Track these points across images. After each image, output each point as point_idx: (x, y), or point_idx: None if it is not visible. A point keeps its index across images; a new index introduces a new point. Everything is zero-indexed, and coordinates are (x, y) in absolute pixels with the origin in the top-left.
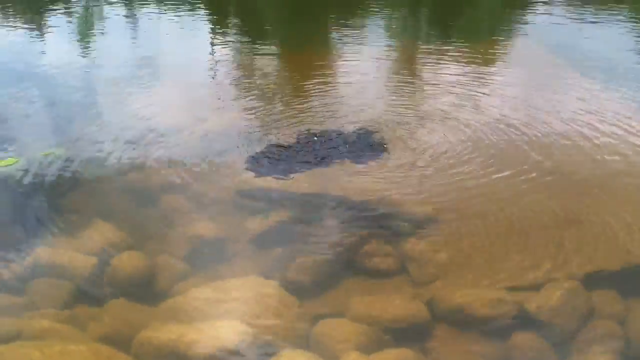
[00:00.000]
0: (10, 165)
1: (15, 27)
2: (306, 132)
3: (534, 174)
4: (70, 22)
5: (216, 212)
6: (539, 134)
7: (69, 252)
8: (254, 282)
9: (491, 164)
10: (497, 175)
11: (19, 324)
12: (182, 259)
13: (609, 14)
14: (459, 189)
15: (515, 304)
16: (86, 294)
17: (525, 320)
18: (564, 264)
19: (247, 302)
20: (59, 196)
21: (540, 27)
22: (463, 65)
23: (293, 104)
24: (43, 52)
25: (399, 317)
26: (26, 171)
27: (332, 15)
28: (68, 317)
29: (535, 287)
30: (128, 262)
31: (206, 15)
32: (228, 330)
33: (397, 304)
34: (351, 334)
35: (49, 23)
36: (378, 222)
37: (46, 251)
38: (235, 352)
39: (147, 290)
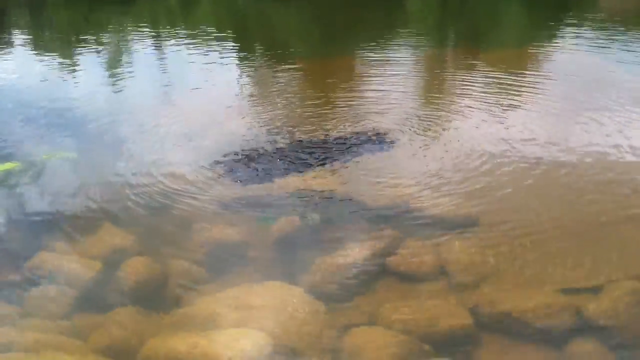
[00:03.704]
0: (10, 169)
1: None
2: (324, 134)
3: (577, 172)
4: (98, 54)
5: (233, 216)
6: (580, 141)
7: (72, 257)
8: (277, 288)
9: (532, 164)
10: (539, 173)
11: (12, 334)
12: (196, 264)
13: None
14: (497, 187)
15: (571, 308)
16: (89, 302)
17: (583, 326)
18: (624, 264)
19: (269, 309)
20: (63, 199)
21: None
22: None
23: (314, 109)
24: (66, 76)
25: (441, 324)
26: (28, 174)
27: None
28: (68, 326)
29: (594, 290)
30: (137, 267)
31: (233, 47)
32: (247, 340)
33: (438, 311)
34: (387, 343)
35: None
36: (410, 222)
37: (47, 256)
38: None
39: (157, 298)
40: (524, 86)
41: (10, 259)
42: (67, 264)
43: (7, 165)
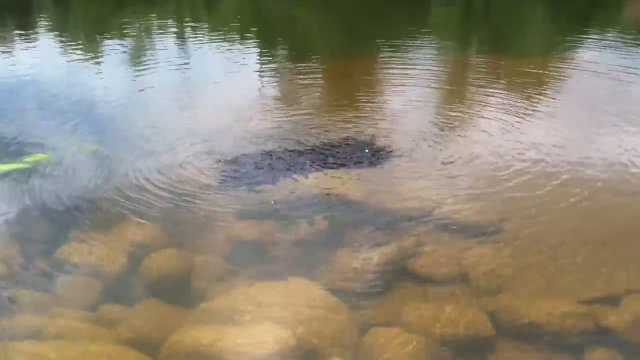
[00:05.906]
0: (40, 160)
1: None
2: (344, 136)
3: (600, 183)
4: (123, 51)
5: (259, 215)
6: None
7: (99, 249)
8: (299, 286)
9: (554, 174)
10: (561, 183)
11: (40, 321)
12: (221, 259)
13: None
14: (519, 195)
15: (590, 318)
16: (116, 293)
17: (601, 336)
18: None
19: (291, 306)
20: (91, 191)
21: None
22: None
23: (336, 111)
24: (89, 72)
25: (459, 328)
26: (57, 165)
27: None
28: (94, 316)
29: (613, 300)
30: (163, 260)
31: (255, 46)
32: (268, 336)
33: (457, 315)
34: (405, 344)
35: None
36: (431, 227)
37: (75, 246)
38: None
39: (182, 291)
40: (546, 95)
41: (40, 248)
42: (95, 254)
43: (38, 157)
